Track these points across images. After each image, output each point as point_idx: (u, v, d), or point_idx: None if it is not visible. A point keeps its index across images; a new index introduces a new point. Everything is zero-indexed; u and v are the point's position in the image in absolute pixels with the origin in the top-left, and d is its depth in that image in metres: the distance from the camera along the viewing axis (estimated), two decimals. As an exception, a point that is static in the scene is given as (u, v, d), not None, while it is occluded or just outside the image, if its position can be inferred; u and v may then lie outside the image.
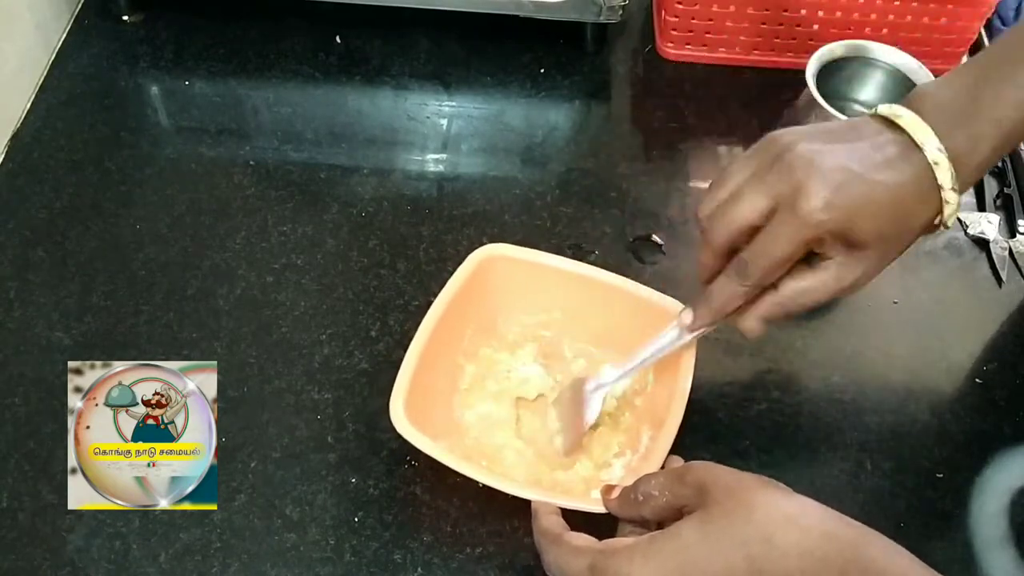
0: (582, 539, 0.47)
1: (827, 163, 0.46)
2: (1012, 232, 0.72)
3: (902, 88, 0.68)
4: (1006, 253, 0.71)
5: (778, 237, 0.47)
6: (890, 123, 0.47)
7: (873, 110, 0.49)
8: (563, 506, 0.51)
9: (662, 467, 0.53)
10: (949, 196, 0.47)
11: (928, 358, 0.65)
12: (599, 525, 0.50)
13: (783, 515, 0.42)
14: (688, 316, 0.53)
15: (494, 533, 0.56)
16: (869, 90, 0.72)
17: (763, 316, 0.51)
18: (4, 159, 0.73)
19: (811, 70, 0.67)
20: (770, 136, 0.49)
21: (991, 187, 0.74)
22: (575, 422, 0.58)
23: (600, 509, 0.50)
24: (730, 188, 0.48)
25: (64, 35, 0.82)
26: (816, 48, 0.69)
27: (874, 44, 0.69)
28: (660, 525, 0.48)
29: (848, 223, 0.46)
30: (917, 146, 0.46)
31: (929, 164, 0.46)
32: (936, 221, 0.48)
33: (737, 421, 0.61)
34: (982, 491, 0.59)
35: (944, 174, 0.46)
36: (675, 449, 0.54)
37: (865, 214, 0.46)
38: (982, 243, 0.71)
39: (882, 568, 0.40)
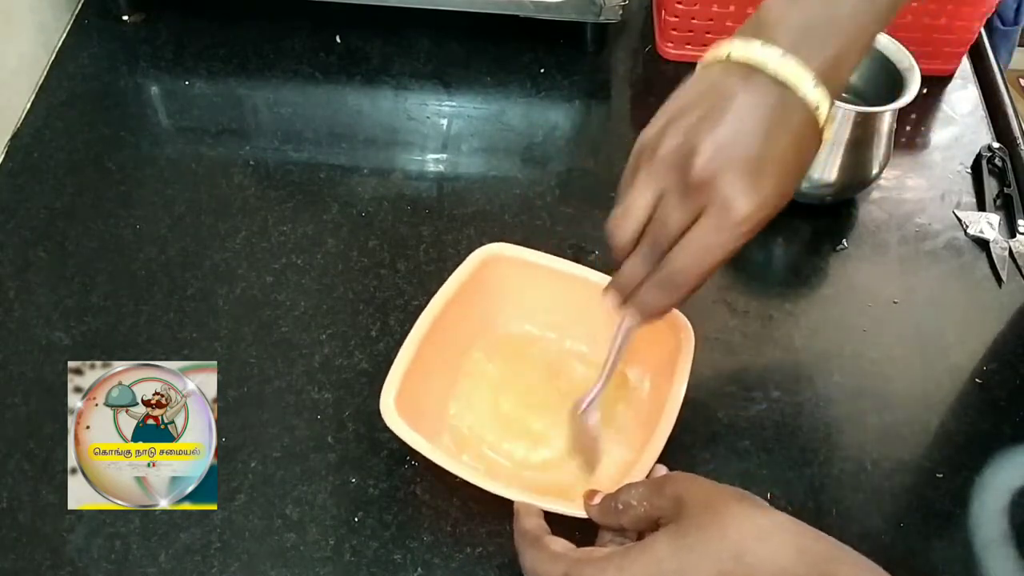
0: (560, 545, 0.47)
1: (735, 159, 0.43)
2: (1012, 232, 0.72)
3: (885, 72, 0.68)
4: (1006, 253, 0.70)
5: (712, 248, 0.45)
6: (748, 67, 0.44)
7: (726, 55, 0.45)
8: (545, 508, 0.51)
9: (648, 475, 0.53)
10: (828, 131, 0.46)
11: (928, 358, 0.65)
12: (584, 527, 0.50)
13: (756, 531, 0.42)
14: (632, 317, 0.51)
15: (494, 533, 0.56)
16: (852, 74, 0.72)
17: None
18: (4, 159, 0.73)
19: None
20: (650, 140, 0.46)
21: (991, 187, 0.74)
22: (587, 443, 0.57)
23: (582, 514, 0.50)
24: (642, 211, 0.46)
25: (64, 35, 0.82)
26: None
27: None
28: (640, 535, 0.48)
29: (774, 208, 0.45)
30: (791, 89, 0.44)
31: (810, 107, 0.44)
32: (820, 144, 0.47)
33: (737, 421, 0.61)
34: (982, 491, 0.59)
35: (824, 111, 0.45)
36: (675, 449, 0.54)
37: (785, 191, 0.45)
38: (982, 243, 0.71)
39: None
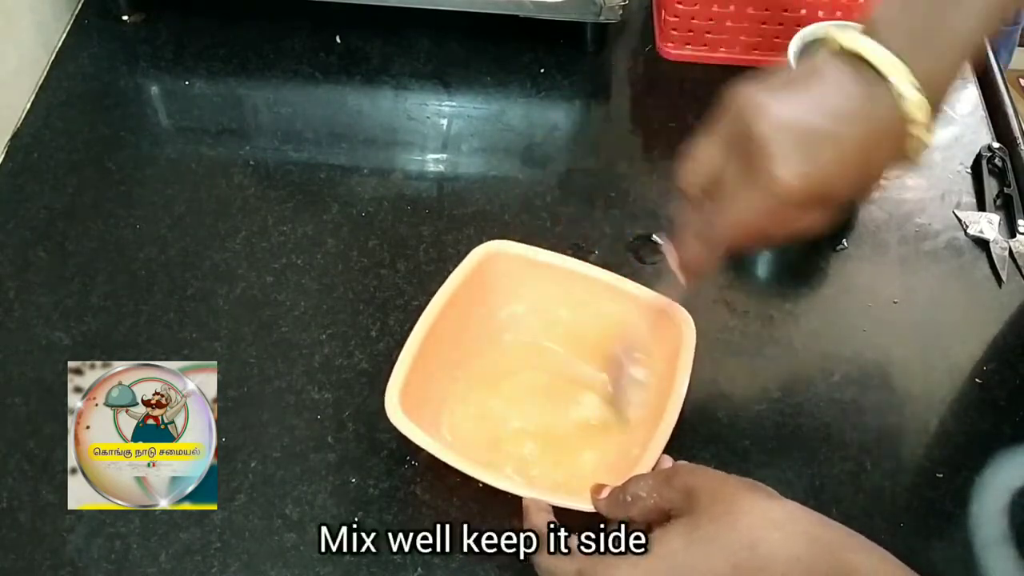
0: (571, 541, 0.47)
1: (795, 127, 0.43)
2: (1012, 232, 0.72)
3: None
4: (1006, 253, 0.70)
5: (750, 209, 0.45)
6: (855, 58, 0.44)
7: (838, 46, 0.45)
8: (553, 504, 0.51)
9: (654, 468, 0.53)
10: (919, 130, 0.44)
11: (928, 358, 0.65)
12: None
13: (768, 521, 0.42)
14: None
15: (494, 533, 0.56)
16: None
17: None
18: (4, 159, 0.73)
19: (793, 48, 0.67)
20: (734, 96, 0.46)
21: (991, 187, 0.74)
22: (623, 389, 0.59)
23: (590, 508, 0.50)
24: (707, 160, 0.47)
25: (64, 35, 0.82)
26: (816, 47, 0.69)
27: (857, 24, 0.69)
28: (648, 527, 0.49)
29: (821, 188, 0.44)
30: (883, 79, 0.43)
31: (901, 107, 0.43)
32: (906, 155, 0.46)
33: (737, 421, 0.61)
34: (982, 491, 0.59)
35: (914, 107, 0.43)
36: (675, 449, 0.54)
37: (837, 175, 0.44)
38: (982, 243, 0.71)
39: (866, 573, 0.41)
